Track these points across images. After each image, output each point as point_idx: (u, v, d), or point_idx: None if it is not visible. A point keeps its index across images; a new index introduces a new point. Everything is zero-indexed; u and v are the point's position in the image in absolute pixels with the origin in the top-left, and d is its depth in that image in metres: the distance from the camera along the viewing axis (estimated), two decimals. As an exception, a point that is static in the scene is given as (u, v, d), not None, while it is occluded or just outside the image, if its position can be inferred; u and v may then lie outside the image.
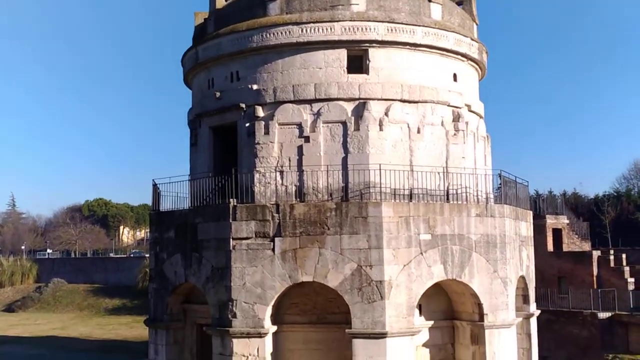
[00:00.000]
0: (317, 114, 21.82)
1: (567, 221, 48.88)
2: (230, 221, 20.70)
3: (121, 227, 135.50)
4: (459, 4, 25.69)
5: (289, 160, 21.84)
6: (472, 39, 24.39)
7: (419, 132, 22.33)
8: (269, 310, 20.47)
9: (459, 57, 23.94)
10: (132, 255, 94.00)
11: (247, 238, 20.56)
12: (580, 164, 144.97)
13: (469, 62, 24.60)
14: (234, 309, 20.41)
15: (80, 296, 72.63)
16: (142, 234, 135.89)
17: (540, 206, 47.57)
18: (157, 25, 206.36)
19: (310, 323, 21.55)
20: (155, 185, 24.24)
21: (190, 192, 23.93)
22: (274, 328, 20.88)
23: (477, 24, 26.01)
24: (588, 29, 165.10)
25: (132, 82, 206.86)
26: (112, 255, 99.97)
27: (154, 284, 24.04)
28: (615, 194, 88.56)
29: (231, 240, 20.61)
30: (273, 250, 20.37)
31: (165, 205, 24.16)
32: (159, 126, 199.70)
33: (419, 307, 21.44)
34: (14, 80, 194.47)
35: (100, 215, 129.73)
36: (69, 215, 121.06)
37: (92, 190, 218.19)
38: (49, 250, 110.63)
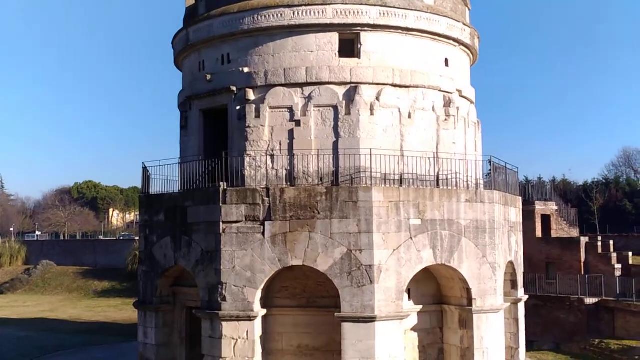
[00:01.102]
0: (309, 98, 21.76)
1: (556, 207, 49.10)
2: (220, 205, 20.67)
3: (111, 210, 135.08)
4: (451, -12, 25.56)
5: (280, 144, 21.79)
6: (464, 24, 24.34)
7: (410, 117, 22.31)
8: (258, 294, 20.51)
9: (451, 42, 23.89)
10: (121, 237, 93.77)
11: (237, 222, 20.55)
12: (569, 151, 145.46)
13: (461, 47, 24.56)
14: (224, 292, 20.43)
15: (70, 278, 72.42)
16: (131, 216, 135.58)
17: (529, 192, 47.72)
18: (149, 5, 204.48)
19: (299, 307, 21.62)
20: (145, 168, 24.15)
21: (180, 175, 23.86)
22: (264, 311, 20.94)
23: (469, 9, 25.94)
24: (575, 12, 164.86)
25: (123, 63, 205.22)
26: (101, 237, 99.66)
27: (143, 267, 24.02)
28: (604, 181, 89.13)
29: (221, 223, 20.60)
30: (263, 234, 20.38)
31: (155, 188, 24.12)
32: (149, 108, 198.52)
33: (408, 291, 21.55)
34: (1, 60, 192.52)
35: (89, 198, 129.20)
36: (58, 198, 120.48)
37: (82, 173, 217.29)
38: (37, 233, 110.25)
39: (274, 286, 21.46)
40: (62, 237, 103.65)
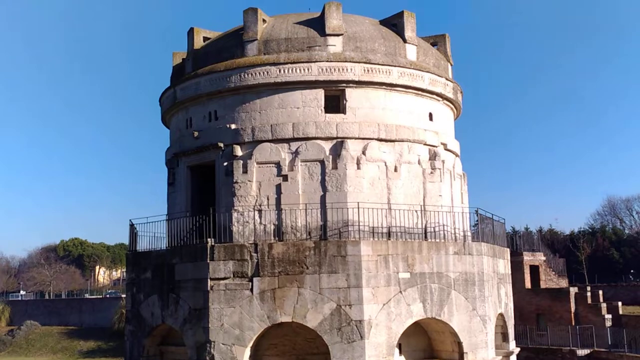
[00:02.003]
0: (295, 153, 21.93)
1: (544, 258, 49.22)
2: (208, 261, 20.54)
3: (97, 267, 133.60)
4: (433, 45, 26.18)
5: (268, 199, 21.84)
6: (447, 79, 24.80)
7: (396, 170, 22.50)
8: (247, 352, 20.21)
9: (435, 96, 24.30)
10: (108, 295, 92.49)
11: (225, 278, 20.40)
12: (555, 201, 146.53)
13: (445, 101, 24.97)
14: (212, 350, 20.11)
15: (54, 339, 71.11)
16: (118, 273, 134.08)
17: (517, 243, 47.90)
18: (137, 65, 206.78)
19: (289, 364, 21.28)
20: (132, 225, 24.03)
21: (167, 231, 23.76)
22: (253, 370, 20.59)
23: (451, 64, 26.47)
24: (561, 68, 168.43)
25: (110, 120, 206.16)
26: (87, 296, 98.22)
27: (130, 326, 23.65)
28: (590, 230, 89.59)
29: (209, 280, 20.42)
30: (251, 290, 20.22)
31: (142, 245, 23.96)
32: (136, 165, 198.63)
33: (399, 346, 21.31)
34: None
35: (75, 255, 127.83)
36: (43, 256, 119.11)
37: (68, 230, 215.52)
38: (22, 292, 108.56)
39: (262, 343, 21.16)
40: (47, 296, 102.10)
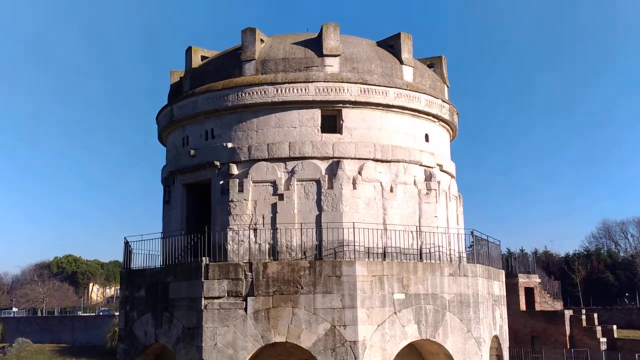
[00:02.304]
0: (292, 172, 21.96)
1: (539, 280, 49.16)
2: (202, 280, 20.46)
3: (90, 285, 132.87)
4: (430, 66, 26.37)
5: (263, 218, 21.82)
6: (443, 101, 24.94)
7: (392, 190, 22.53)
8: (240, 372, 20.06)
9: (431, 118, 24.41)
10: (101, 313, 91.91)
11: (219, 297, 20.32)
12: (550, 223, 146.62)
13: (441, 122, 25.08)
14: (205, 370, 19.96)
15: (46, 356, 70.41)
16: (112, 291, 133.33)
17: (512, 265, 47.86)
18: (134, 82, 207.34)
19: (282, 385, 21.15)
20: (127, 243, 23.96)
21: (162, 249, 23.68)
22: (246, 390, 20.42)
23: (448, 86, 26.63)
24: (556, 89, 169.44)
25: (104, 138, 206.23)
26: (80, 313, 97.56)
27: (123, 344, 23.49)
28: (585, 252, 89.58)
29: (203, 299, 20.34)
30: (245, 309, 20.13)
31: (137, 263, 23.88)
32: (132, 182, 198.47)
33: (393, 367, 21.19)
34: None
35: (69, 272, 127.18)
36: (37, 272, 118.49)
37: (62, 247, 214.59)
38: (14, 309, 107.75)
39: (256, 363, 21.02)
40: (39, 313, 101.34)
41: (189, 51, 24.92)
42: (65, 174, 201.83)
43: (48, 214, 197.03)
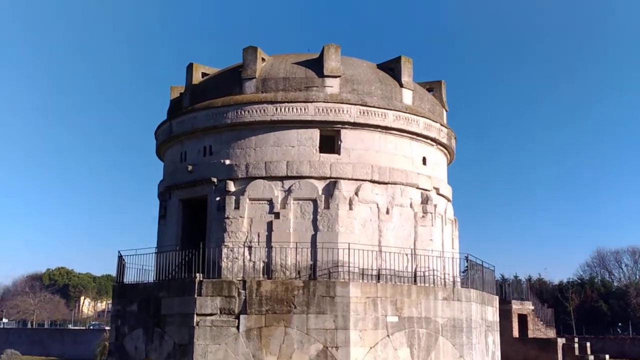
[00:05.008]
0: (288, 191, 21.97)
1: (532, 307, 48.97)
2: (195, 296, 20.36)
3: (82, 298, 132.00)
4: (429, 90, 26.52)
5: (258, 236, 21.78)
6: (441, 125, 25.04)
7: (388, 212, 22.54)
8: (230, 390, 19.90)
9: (429, 141, 24.50)
10: (91, 327, 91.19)
11: (211, 314, 20.21)
12: (545, 250, 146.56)
13: (438, 146, 25.17)
14: (195, 387, 19.79)
15: (34, 369, 69.77)
16: (103, 305, 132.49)
17: (506, 291, 47.69)
18: (131, 96, 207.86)
19: (272, 405, 20.94)
20: (120, 257, 23.88)
21: (156, 264, 23.60)
22: (235, 409, 20.25)
23: (446, 110, 26.77)
24: (549, 110, 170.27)
25: (100, 151, 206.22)
26: (70, 326, 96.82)
27: (113, 359, 23.30)
28: (579, 281, 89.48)
29: (195, 316, 20.22)
30: (238, 327, 20.02)
31: (130, 277, 23.78)
32: (126, 197, 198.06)
33: (384, 391, 21.04)
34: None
35: (61, 285, 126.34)
36: (28, 284, 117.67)
37: (54, 259, 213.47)
38: (4, 320, 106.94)
39: (246, 382, 20.86)
40: (29, 325, 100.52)
41: (189, 67, 25.04)
42: (60, 185, 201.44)
43: (41, 226, 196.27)
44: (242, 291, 20.23)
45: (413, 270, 22.48)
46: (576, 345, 44.02)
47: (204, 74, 25.22)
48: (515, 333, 46.18)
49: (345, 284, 20.31)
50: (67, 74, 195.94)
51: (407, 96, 24.13)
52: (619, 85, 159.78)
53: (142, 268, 23.48)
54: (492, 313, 25.28)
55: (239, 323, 20.03)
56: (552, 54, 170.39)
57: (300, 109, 22.32)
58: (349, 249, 21.06)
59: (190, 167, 23.48)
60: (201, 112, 23.47)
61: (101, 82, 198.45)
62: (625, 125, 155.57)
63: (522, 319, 47.29)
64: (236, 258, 21.63)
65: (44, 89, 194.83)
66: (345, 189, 22.06)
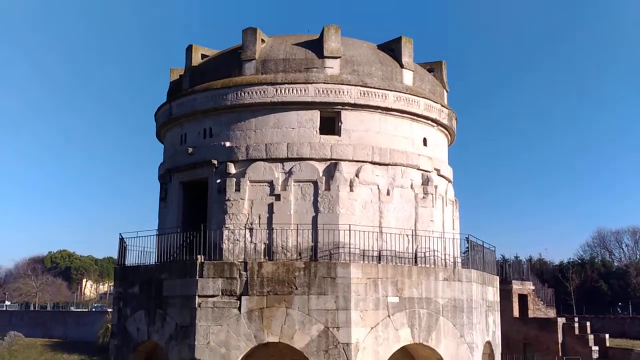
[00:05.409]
0: (289, 173, 21.95)
1: (533, 287, 49.22)
2: (197, 278, 20.43)
3: (84, 280, 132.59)
4: (430, 71, 26.39)
5: (259, 218, 21.81)
6: (442, 105, 24.96)
7: (388, 194, 22.54)
8: (232, 371, 20.03)
9: (429, 122, 24.43)
10: (93, 309, 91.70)
11: (213, 296, 20.29)
12: (545, 231, 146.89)
13: (439, 127, 25.11)
14: (197, 368, 19.93)
15: (37, 351, 70.28)
16: (105, 287, 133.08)
17: (506, 271, 47.90)
18: (131, 78, 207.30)
19: (274, 385, 21.11)
20: (122, 239, 23.92)
21: (157, 247, 23.66)
22: (237, 389, 20.40)
23: (447, 91, 26.66)
24: (552, 95, 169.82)
25: (100, 134, 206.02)
26: (73, 309, 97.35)
27: (115, 341, 23.45)
28: (579, 261, 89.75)
29: (197, 297, 20.30)
30: (239, 309, 20.10)
31: (131, 259, 23.84)
32: (128, 179, 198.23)
33: (385, 371, 21.20)
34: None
35: (63, 268, 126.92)
36: (30, 267, 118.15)
37: (56, 242, 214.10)
38: (7, 302, 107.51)
39: (248, 363, 21.00)
40: (32, 308, 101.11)
41: (189, 49, 24.91)
42: (61, 168, 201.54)
43: (43, 209, 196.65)
44: (244, 273, 20.30)
45: (414, 251, 22.53)
46: (576, 324, 44.30)
47: (203, 56, 25.09)
48: (516, 313, 46.46)
49: (346, 265, 20.37)
50: (69, 55, 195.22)
51: (408, 77, 24.02)
52: (621, 60, 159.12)
53: (144, 250, 23.58)
54: (493, 293, 25.37)
55: (240, 304, 20.11)
56: (556, 32, 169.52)
57: (300, 90, 22.23)
58: (349, 230, 21.09)
59: (190, 150, 23.45)
60: (201, 94, 23.39)
61: (103, 64, 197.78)
62: (625, 102, 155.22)
63: (523, 299, 47.55)
64: (237, 240, 21.67)
65: (46, 70, 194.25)
66: (346, 170, 22.04)
